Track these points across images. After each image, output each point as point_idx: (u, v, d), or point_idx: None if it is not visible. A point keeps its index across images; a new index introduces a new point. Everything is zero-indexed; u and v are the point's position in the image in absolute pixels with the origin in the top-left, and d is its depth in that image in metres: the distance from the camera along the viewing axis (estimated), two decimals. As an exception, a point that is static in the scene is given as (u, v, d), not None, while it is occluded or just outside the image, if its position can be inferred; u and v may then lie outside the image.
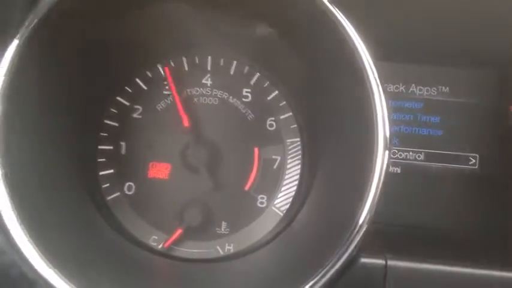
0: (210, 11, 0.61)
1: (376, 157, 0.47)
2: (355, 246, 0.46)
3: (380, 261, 0.50)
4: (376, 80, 0.47)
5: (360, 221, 0.46)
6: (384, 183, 0.47)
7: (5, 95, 0.48)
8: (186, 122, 0.66)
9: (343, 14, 0.49)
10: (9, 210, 0.47)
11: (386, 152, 0.47)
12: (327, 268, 0.46)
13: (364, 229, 0.46)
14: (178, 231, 0.65)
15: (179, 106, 0.66)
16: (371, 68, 0.47)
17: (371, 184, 0.46)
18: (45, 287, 0.45)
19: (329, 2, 0.49)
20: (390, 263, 0.50)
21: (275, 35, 0.60)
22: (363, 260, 0.50)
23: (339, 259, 0.46)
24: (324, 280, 0.46)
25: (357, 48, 0.48)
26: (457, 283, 0.51)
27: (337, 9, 0.49)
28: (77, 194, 0.60)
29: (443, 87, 0.71)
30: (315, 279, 0.46)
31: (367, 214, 0.46)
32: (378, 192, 0.46)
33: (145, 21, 0.61)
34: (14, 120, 0.49)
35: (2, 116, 0.48)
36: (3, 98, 0.48)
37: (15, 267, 0.47)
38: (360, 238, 0.46)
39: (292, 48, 0.60)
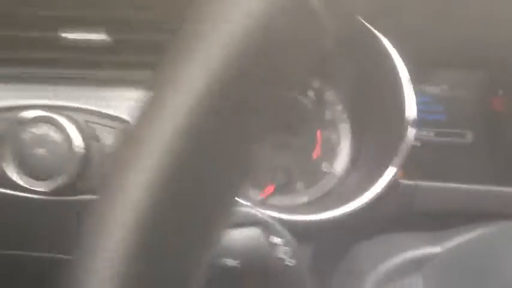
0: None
1: (406, 132, 0.80)
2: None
3: (410, 182, 0.81)
4: (408, 80, 0.79)
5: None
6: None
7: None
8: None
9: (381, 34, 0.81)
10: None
11: (414, 129, 0.79)
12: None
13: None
14: (270, 188, 0.96)
15: None
16: (404, 72, 0.79)
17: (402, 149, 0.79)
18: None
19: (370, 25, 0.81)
20: (418, 183, 0.81)
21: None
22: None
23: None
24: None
25: (393, 59, 0.79)
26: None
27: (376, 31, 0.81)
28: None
29: (445, 85, 1.02)
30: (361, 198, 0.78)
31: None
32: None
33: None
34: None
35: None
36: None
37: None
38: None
39: (344, 62, 0.92)
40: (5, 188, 0.75)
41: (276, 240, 0.46)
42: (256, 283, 0.46)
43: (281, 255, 0.46)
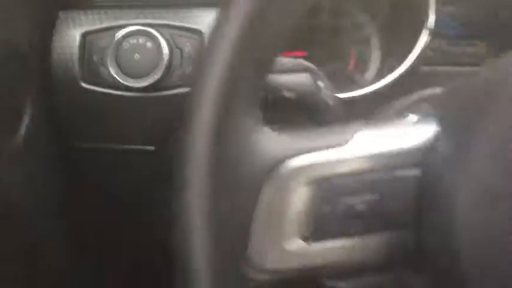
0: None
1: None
2: None
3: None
4: None
5: None
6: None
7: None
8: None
9: None
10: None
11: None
12: None
13: None
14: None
15: None
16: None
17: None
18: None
19: None
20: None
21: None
22: None
23: None
24: None
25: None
26: None
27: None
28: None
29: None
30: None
31: None
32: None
33: None
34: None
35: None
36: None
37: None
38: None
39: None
40: (108, 88, 0.98)
41: (321, 84, 0.66)
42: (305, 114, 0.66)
43: (324, 96, 0.66)
